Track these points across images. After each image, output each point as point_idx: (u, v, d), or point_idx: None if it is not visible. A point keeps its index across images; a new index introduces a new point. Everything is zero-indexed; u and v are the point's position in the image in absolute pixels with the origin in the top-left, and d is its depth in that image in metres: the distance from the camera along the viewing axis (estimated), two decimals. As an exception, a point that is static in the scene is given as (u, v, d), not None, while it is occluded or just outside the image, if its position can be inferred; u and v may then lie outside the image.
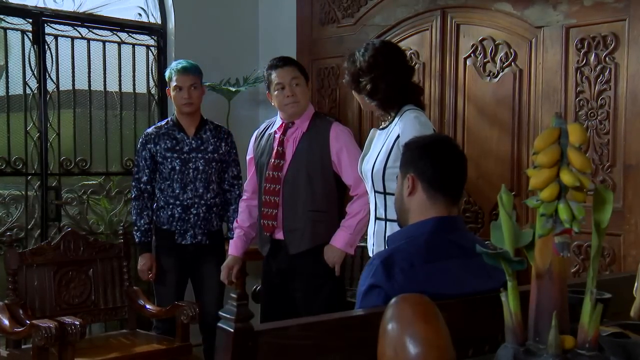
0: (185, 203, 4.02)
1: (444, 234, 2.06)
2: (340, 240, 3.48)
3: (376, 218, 2.94)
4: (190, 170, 4.02)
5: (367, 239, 3.09)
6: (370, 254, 2.95)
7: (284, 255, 3.56)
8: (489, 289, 1.89)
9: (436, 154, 2.13)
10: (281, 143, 3.56)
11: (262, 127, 3.78)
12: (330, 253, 3.49)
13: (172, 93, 4.04)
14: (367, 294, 1.98)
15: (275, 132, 3.62)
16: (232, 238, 3.88)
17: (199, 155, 4.04)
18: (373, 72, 2.95)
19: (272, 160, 3.56)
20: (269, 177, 3.55)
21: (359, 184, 3.41)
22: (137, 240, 4.13)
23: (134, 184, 4.14)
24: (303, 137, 3.55)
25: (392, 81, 2.95)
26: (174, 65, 4.09)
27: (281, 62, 3.59)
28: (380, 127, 3.03)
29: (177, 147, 4.04)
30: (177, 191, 4.02)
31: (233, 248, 3.78)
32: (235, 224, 3.83)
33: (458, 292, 1.95)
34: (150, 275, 4.11)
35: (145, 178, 4.09)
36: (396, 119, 2.92)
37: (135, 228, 4.12)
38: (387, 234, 2.76)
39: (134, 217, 4.12)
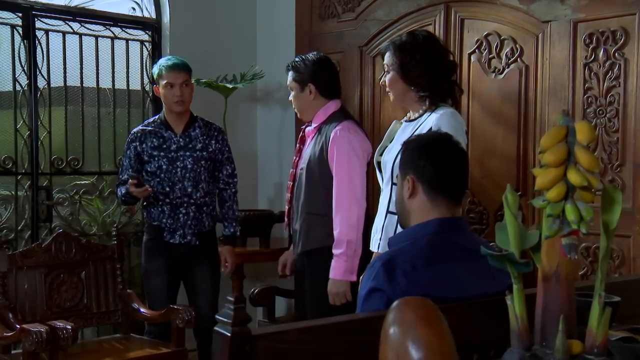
0: (175, 202, 3.97)
1: (447, 235, 2.06)
2: (337, 272, 3.38)
3: (388, 212, 2.90)
4: (178, 169, 3.96)
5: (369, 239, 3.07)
6: (375, 249, 2.95)
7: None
8: (494, 292, 1.86)
9: (435, 154, 2.11)
10: (301, 140, 3.67)
11: None
12: (332, 287, 3.39)
13: (162, 91, 3.96)
14: (369, 297, 1.97)
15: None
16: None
17: (187, 153, 3.97)
18: (424, 53, 2.95)
19: (294, 157, 3.70)
20: (290, 173, 3.70)
21: (338, 200, 3.37)
22: (124, 178, 3.95)
23: (118, 184, 4.04)
24: (314, 136, 3.56)
25: (440, 68, 2.97)
26: (163, 62, 4.00)
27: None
28: (407, 119, 3.01)
29: (164, 146, 3.97)
30: (167, 189, 3.97)
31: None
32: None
33: (462, 295, 1.93)
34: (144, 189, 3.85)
35: (126, 177, 4.00)
36: (428, 113, 2.92)
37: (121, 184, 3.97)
38: (399, 228, 2.71)
39: (119, 189, 3.99)
